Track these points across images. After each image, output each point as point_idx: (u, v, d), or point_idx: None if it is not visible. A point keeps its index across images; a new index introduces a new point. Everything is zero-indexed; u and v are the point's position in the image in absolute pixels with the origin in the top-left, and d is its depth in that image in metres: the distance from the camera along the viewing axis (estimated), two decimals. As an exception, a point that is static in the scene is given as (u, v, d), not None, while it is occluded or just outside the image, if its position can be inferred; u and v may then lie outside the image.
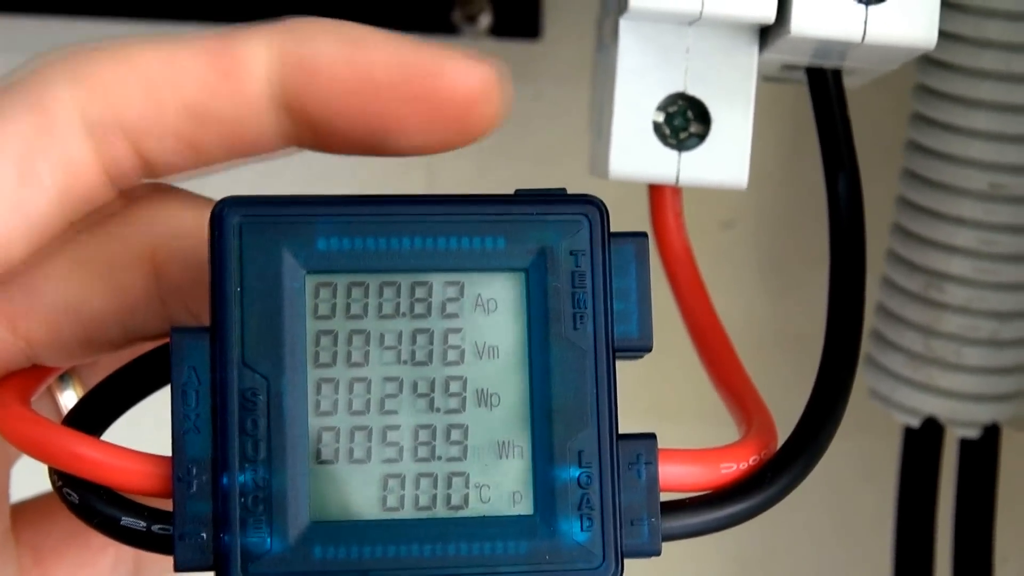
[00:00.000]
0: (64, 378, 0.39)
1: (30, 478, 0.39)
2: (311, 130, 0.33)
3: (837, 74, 0.41)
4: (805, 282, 0.62)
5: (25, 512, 0.39)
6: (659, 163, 0.40)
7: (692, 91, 0.40)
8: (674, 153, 0.40)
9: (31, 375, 0.35)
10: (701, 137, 0.40)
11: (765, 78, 0.43)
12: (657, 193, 0.41)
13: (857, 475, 0.63)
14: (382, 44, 0.32)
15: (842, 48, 0.39)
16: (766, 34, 0.40)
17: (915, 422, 0.52)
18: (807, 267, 0.62)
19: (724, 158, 0.40)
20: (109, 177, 0.33)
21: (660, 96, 0.40)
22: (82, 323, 0.35)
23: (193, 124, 0.32)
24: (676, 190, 0.41)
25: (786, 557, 0.65)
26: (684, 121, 0.40)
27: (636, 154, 0.40)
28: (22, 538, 0.39)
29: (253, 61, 0.32)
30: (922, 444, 0.53)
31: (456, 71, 0.32)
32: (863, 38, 0.38)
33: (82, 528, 0.39)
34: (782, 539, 0.65)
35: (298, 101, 0.32)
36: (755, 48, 0.40)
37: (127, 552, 0.40)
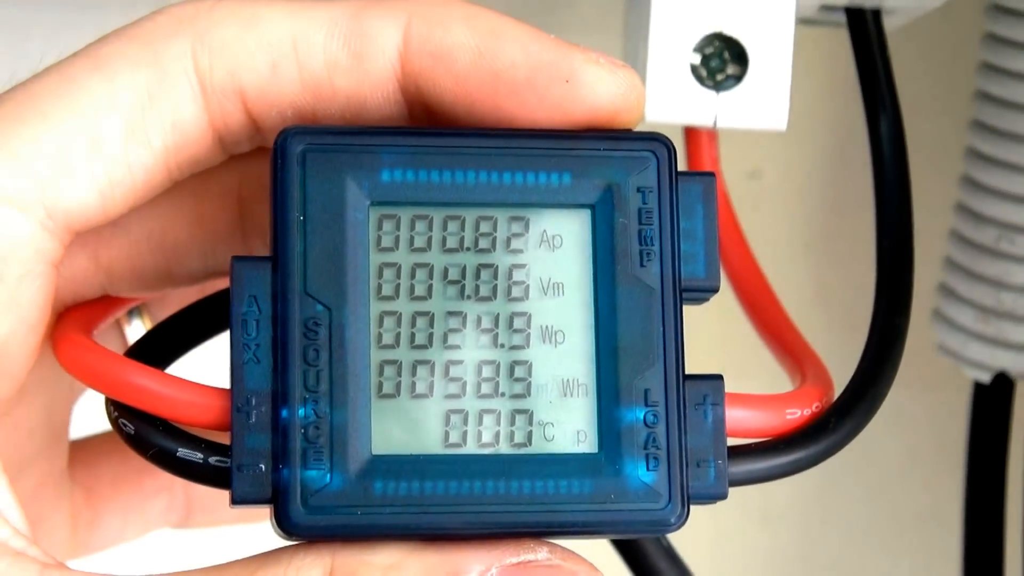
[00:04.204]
0: (133, 312, 0.39)
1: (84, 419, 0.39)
2: (427, 109, 0.32)
3: (877, 14, 0.40)
4: (835, 233, 0.61)
5: (80, 451, 0.39)
6: (696, 105, 0.39)
7: (729, 31, 0.39)
8: (711, 94, 0.39)
9: (99, 306, 0.35)
10: (738, 78, 0.39)
11: (802, 21, 0.42)
12: (693, 138, 0.40)
13: (926, 431, 0.62)
14: (516, 38, 0.31)
15: (884, -15, 0.38)
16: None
17: (985, 377, 0.52)
18: (837, 217, 0.61)
19: (763, 99, 0.39)
20: (219, 140, 0.32)
21: (696, 37, 0.39)
22: (164, 253, 0.35)
23: (313, 99, 0.32)
24: (712, 135, 0.40)
25: (854, 514, 0.64)
26: (721, 62, 0.39)
27: (673, 96, 0.39)
28: (75, 477, 0.39)
29: (384, 40, 0.31)
30: (992, 399, 0.52)
31: (598, 79, 0.31)
32: None
33: (135, 471, 0.39)
34: (851, 496, 0.64)
35: (420, 83, 0.32)
36: None
37: (179, 499, 0.40)
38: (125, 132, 0.31)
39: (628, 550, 0.37)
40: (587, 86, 0.31)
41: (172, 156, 0.32)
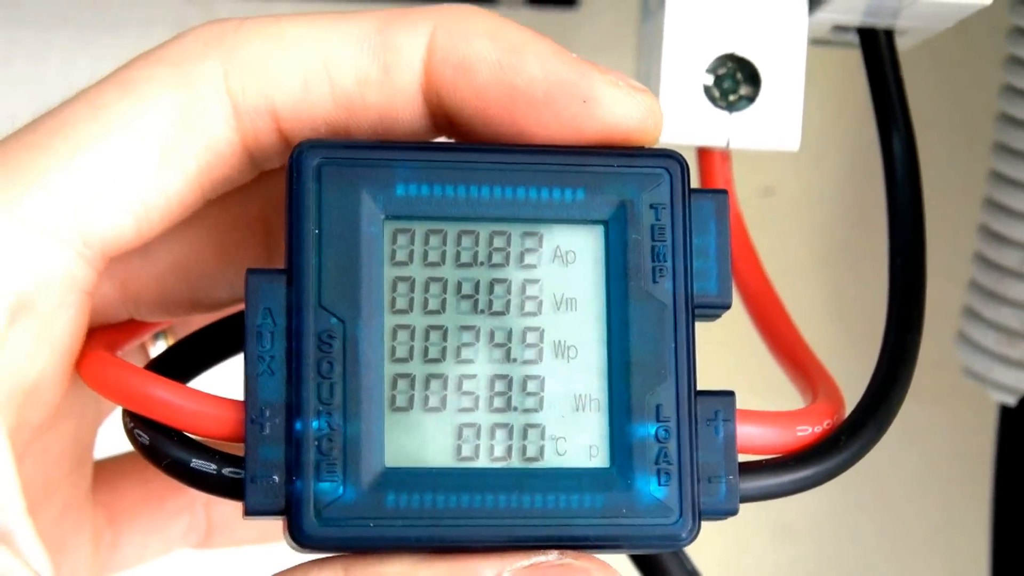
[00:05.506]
0: (158, 334, 0.39)
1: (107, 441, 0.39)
2: (449, 121, 0.32)
3: (889, 34, 0.40)
4: (847, 250, 0.62)
5: (102, 472, 0.39)
6: (709, 126, 0.40)
7: (742, 52, 0.40)
8: (724, 115, 0.39)
9: (125, 329, 0.35)
10: (751, 99, 0.39)
11: (814, 41, 0.42)
12: (707, 158, 0.41)
13: (949, 448, 0.62)
14: (537, 54, 0.31)
15: (895, 5, 0.38)
16: (817, -7, 0.39)
17: (1011, 400, 0.51)
18: (849, 234, 0.61)
19: (775, 120, 0.40)
20: (251, 159, 0.32)
21: (709, 58, 0.40)
22: (191, 282, 0.35)
23: (346, 114, 0.32)
24: (725, 156, 0.40)
25: (873, 532, 0.64)
26: (733, 83, 0.40)
27: (686, 117, 0.39)
28: (97, 498, 0.39)
29: (410, 52, 0.32)
30: (1019, 422, 0.52)
31: (616, 102, 0.32)
32: None
33: (156, 492, 0.39)
34: (870, 513, 0.64)
35: (441, 95, 0.32)
36: (805, 5, 0.40)
37: (199, 520, 0.40)
38: (159, 156, 0.31)
39: (649, 568, 0.37)
40: (604, 108, 0.32)
41: (205, 176, 0.32)
